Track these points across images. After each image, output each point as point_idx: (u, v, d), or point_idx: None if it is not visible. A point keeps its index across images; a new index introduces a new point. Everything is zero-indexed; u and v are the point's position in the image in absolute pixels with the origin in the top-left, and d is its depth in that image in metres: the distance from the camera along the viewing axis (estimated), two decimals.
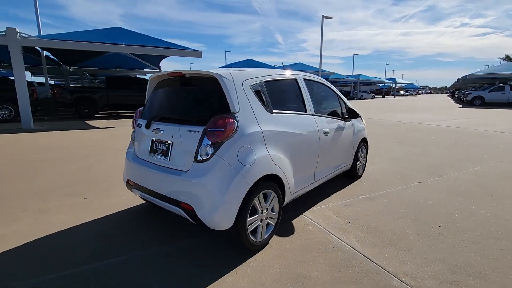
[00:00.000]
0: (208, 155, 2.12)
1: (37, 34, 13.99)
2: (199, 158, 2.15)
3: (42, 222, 2.89)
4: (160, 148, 2.45)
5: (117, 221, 2.92)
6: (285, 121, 2.62)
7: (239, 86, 2.29)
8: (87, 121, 11.67)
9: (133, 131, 2.83)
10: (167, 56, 15.73)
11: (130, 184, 2.70)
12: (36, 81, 20.71)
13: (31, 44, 9.94)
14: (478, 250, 2.40)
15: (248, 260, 2.25)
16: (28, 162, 5.17)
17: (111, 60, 19.13)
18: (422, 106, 23.21)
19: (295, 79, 2.99)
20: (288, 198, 2.74)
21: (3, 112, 11.30)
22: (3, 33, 9.38)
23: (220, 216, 2.08)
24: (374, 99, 41.29)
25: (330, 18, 21.01)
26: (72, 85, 22.52)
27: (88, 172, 4.58)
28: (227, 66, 26.87)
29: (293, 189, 2.75)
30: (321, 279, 2.03)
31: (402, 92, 59.51)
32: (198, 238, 2.59)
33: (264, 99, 2.47)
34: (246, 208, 2.18)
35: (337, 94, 3.76)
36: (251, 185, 2.17)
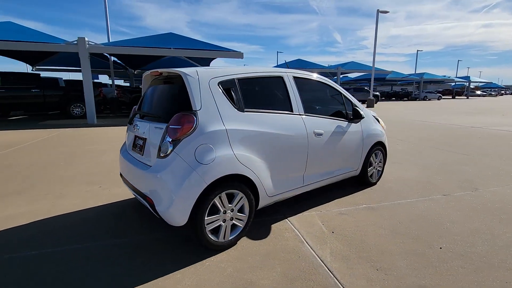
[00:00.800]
0: (167, 152, 2.18)
1: (106, 41, 15.99)
2: (161, 154, 2.22)
3: (56, 205, 3.31)
4: (138, 144, 2.60)
5: (108, 210, 3.18)
6: (260, 120, 2.53)
7: (205, 84, 2.30)
8: None
9: (127, 127, 3.06)
10: (214, 58, 16.48)
11: (122, 178, 2.92)
12: (107, 83, 23.63)
13: (95, 51, 11.39)
14: (475, 281, 1.99)
15: (206, 259, 2.24)
16: (77, 152, 5.96)
17: (169, 63, 20.81)
18: (497, 108, 19.92)
19: (281, 77, 2.86)
20: (266, 201, 2.65)
21: (76, 110, 13.19)
22: (75, 42, 10.95)
23: (173, 212, 2.12)
24: (441, 100, 36.83)
25: (386, 12, 19.40)
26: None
27: (116, 163, 5.08)
28: (277, 66, 26.94)
29: (271, 191, 2.65)
30: (272, 286, 1.92)
31: (478, 92, 51.73)
32: (172, 232, 2.67)
33: (235, 97, 2.43)
34: (203, 206, 2.18)
35: (341, 93, 3.47)
36: (208, 184, 2.16)
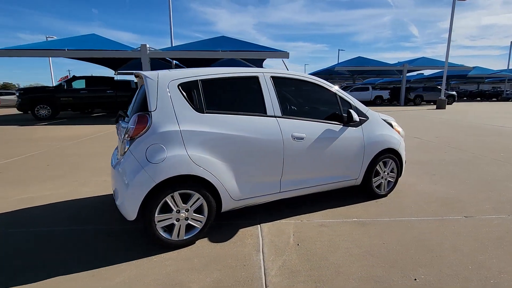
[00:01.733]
0: (125, 150, 2.33)
1: (169, 46, 17.61)
2: (122, 152, 2.39)
3: (75, 191, 3.83)
4: (120, 142, 2.84)
5: (109, 200, 3.53)
6: (223, 122, 2.50)
7: (163, 85, 2.37)
8: None
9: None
10: (264, 59, 16.66)
11: None
12: None
13: (154, 56, 12.67)
14: None
15: (157, 255, 2.32)
16: None
17: (226, 65, 21.87)
18: None
19: (257, 77, 2.75)
20: (231, 204, 2.61)
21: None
22: (139, 48, 12.38)
23: (125, 206, 2.26)
24: None
25: None
26: None
27: None
28: (338, 64, 25.78)
29: (236, 195, 2.59)
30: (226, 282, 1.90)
31: None
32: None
33: (195, 99, 2.45)
34: (153, 204, 2.26)
35: (336, 94, 3.16)
36: (158, 182, 2.23)
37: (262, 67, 21.82)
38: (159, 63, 19.17)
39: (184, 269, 2.14)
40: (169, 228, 2.40)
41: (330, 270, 2.12)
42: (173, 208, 2.35)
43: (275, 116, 2.74)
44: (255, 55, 12.91)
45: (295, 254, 2.33)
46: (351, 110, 3.04)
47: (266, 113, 2.71)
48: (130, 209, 2.24)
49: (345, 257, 2.29)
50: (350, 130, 3.14)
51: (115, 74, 23.13)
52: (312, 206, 3.26)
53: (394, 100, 24.19)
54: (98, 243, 2.51)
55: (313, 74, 37.03)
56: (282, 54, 12.58)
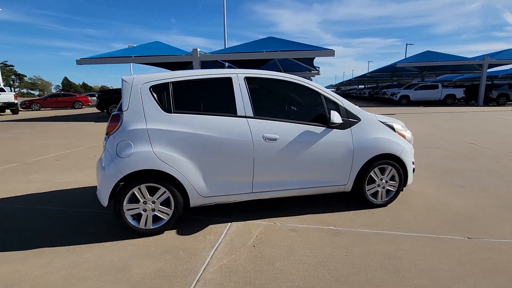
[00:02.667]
0: (104, 145, 2.65)
1: (223, 48, 18.50)
2: (103, 147, 2.72)
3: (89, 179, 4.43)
4: None
5: None
6: (190, 122, 2.62)
7: (136, 88, 2.62)
8: None
9: None
10: (313, 58, 16.23)
11: None
12: None
13: (203, 59, 13.52)
14: None
15: (126, 240, 2.57)
16: None
17: (276, 65, 21.99)
18: None
19: (230, 78, 2.80)
20: (200, 200, 2.73)
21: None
22: (191, 53, 13.38)
23: (99, 194, 2.57)
24: None
25: None
26: None
27: None
28: (402, 60, 23.57)
29: (204, 192, 2.70)
30: (136, 277, 2.07)
31: None
32: None
33: (165, 100, 2.63)
34: (122, 194, 2.52)
35: (321, 95, 2.98)
36: (124, 175, 2.48)
37: (312, 65, 21.32)
38: (215, 66, 20.36)
39: (139, 255, 2.35)
40: (138, 217, 2.64)
41: (269, 275, 2.07)
42: (140, 199, 2.58)
43: (245, 117, 2.75)
44: (298, 54, 12.73)
45: (245, 255, 2.33)
46: (332, 111, 2.85)
47: (236, 113, 2.75)
48: (103, 197, 2.55)
49: (294, 264, 2.19)
50: (336, 132, 2.95)
51: None
52: (297, 209, 3.16)
53: (471, 99, 20.94)
54: (88, 225, 2.90)
55: (373, 72, 34.37)
56: (327, 52, 12.10)
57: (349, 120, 3.01)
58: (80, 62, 14.54)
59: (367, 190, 3.15)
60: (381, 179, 3.16)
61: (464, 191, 3.64)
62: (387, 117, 3.34)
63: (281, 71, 23.52)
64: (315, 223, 2.86)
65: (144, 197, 2.59)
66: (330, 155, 2.94)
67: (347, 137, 2.98)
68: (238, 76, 2.83)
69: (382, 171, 3.15)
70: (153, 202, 2.62)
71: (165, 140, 2.57)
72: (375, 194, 3.20)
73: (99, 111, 16.40)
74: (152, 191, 2.61)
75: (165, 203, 2.66)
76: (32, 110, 24.06)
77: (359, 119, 3.05)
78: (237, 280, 2.02)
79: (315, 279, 2.01)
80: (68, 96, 26.93)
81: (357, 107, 3.11)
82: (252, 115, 2.77)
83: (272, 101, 3.03)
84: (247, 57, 13.30)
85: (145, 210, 2.62)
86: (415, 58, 21.05)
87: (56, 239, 2.61)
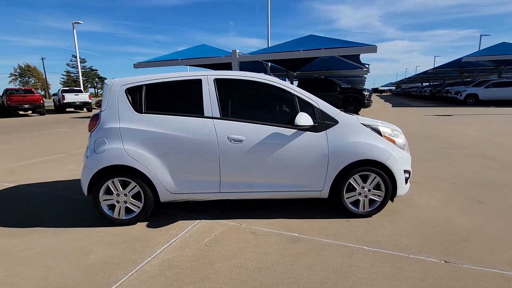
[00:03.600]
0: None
1: (266, 47, 18.59)
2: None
3: None
4: None
5: None
6: (159, 122, 2.78)
7: (114, 90, 2.87)
8: None
9: None
10: (358, 55, 15.26)
11: None
12: None
13: (242, 60, 13.82)
14: None
15: (102, 227, 2.85)
16: None
17: (324, 63, 21.26)
18: None
19: (200, 80, 2.87)
20: (169, 196, 2.88)
21: None
22: (230, 54, 13.82)
23: (82, 185, 2.90)
24: None
25: None
26: None
27: None
28: (473, 54, 20.70)
29: (172, 189, 2.84)
30: (89, 261, 2.30)
31: None
32: None
33: (137, 101, 2.83)
34: (98, 186, 2.80)
35: (293, 95, 2.85)
36: (99, 168, 2.75)
37: (359, 61, 19.97)
38: (256, 66, 20.62)
39: (104, 242, 2.59)
40: (112, 208, 2.90)
41: (201, 275, 2.09)
42: (114, 191, 2.83)
43: (212, 118, 2.80)
44: (336, 51, 12.13)
45: (192, 252, 2.39)
46: (300, 113, 2.71)
47: (203, 114, 2.81)
48: (83, 187, 2.86)
49: (232, 267, 2.18)
50: (309, 135, 2.80)
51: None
52: (275, 213, 3.09)
53: None
54: (81, 211, 3.28)
55: (436, 68, 30.65)
56: (369, 49, 11.28)
57: (325, 123, 2.83)
58: (136, 65, 16.18)
59: (346, 198, 2.92)
60: (363, 188, 2.89)
61: (479, 208, 3.10)
62: (375, 120, 3.04)
63: (327, 70, 22.74)
64: (281, 228, 2.76)
65: (117, 190, 2.83)
66: (303, 159, 2.81)
67: (321, 141, 2.80)
68: (208, 78, 2.88)
69: (364, 178, 2.88)
70: (125, 195, 2.85)
71: (135, 139, 2.77)
72: (356, 203, 2.95)
73: None
74: (124, 185, 2.84)
75: (136, 196, 2.86)
76: None
77: (336, 122, 2.84)
78: (170, 275, 2.10)
79: (242, 284, 1.97)
80: None
81: (335, 109, 2.91)
82: (219, 116, 2.81)
83: (241, 102, 3.02)
84: (283, 56, 13.18)
85: (118, 202, 2.86)
86: (487, 51, 18.23)
87: (51, 221, 3.02)
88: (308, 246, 2.44)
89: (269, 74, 20.25)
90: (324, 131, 2.82)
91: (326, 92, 14.26)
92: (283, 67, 22.14)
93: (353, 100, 14.11)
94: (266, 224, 2.86)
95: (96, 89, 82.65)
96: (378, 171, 2.84)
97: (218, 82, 2.89)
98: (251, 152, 2.78)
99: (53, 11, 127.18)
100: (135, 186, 2.82)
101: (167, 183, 2.82)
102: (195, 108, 2.84)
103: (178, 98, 2.96)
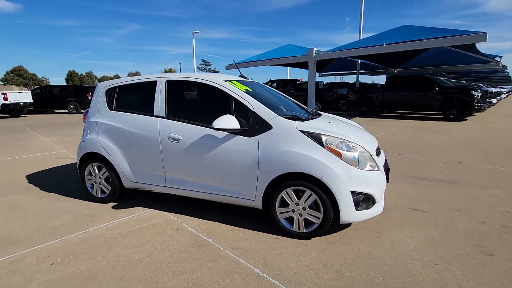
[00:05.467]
0: None
1: (358, 39, 16.98)
2: None
3: None
4: None
5: None
6: (121, 118, 3.20)
7: (99, 90, 3.45)
8: (366, 118, 12.57)
9: None
10: (473, 44, 12.00)
11: None
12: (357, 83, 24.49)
13: (318, 58, 13.20)
14: None
15: (84, 202, 3.52)
16: None
17: (433, 58, 17.81)
18: None
19: (155, 82, 3.10)
20: (129, 184, 3.26)
21: (316, 106, 16.05)
22: (307, 53, 13.47)
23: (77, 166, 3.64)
24: None
25: None
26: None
27: None
28: None
29: (131, 177, 3.23)
30: (52, 223, 2.94)
31: None
32: None
33: (111, 100, 3.32)
34: (84, 168, 3.47)
35: (231, 97, 2.71)
36: (83, 153, 3.40)
37: (479, 53, 15.64)
38: (349, 63, 19.16)
39: (70, 212, 3.20)
40: (92, 186, 3.51)
41: (96, 254, 2.36)
42: (92, 173, 3.45)
43: (159, 117, 3.00)
44: (431, 43, 9.95)
45: (112, 234, 2.68)
46: (222, 116, 2.56)
47: (153, 113, 3.05)
48: (78, 168, 3.60)
49: (122, 255, 2.35)
50: (240, 139, 2.64)
51: (319, 75, 25.70)
52: (216, 215, 3.05)
53: None
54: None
55: None
56: (475, 37, 8.80)
57: (258, 127, 2.60)
58: (228, 67, 17.85)
59: (279, 213, 2.60)
60: (297, 204, 2.51)
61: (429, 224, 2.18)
62: (329, 126, 2.56)
63: (438, 66, 18.85)
64: (203, 231, 2.73)
65: (95, 173, 3.43)
66: (234, 164, 2.68)
67: (252, 146, 2.59)
68: (161, 80, 3.10)
69: (298, 195, 2.50)
70: (100, 178, 3.42)
71: (105, 132, 3.28)
72: (289, 220, 2.58)
73: None
74: (99, 169, 3.41)
75: (107, 180, 3.39)
76: None
77: (270, 127, 2.56)
78: (77, 249, 2.46)
79: (111, 270, 2.14)
80: None
81: (271, 113, 2.61)
82: (164, 116, 2.99)
83: (185, 103, 3.09)
84: (363, 52, 11.83)
85: (95, 183, 3.46)
86: None
87: (58, 190, 3.90)
88: (204, 253, 2.36)
89: (358, 71, 18.53)
90: (257, 136, 2.59)
91: (420, 92, 12.02)
92: (379, 64, 19.80)
93: (458, 102, 11.35)
94: (196, 224, 2.88)
95: None
96: (315, 188, 2.41)
97: (169, 83, 3.06)
98: (187, 151, 2.85)
99: (193, 24, 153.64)
100: (105, 171, 3.34)
101: (127, 172, 3.22)
102: (149, 107, 3.11)
103: (139, 98, 3.31)
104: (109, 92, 3.42)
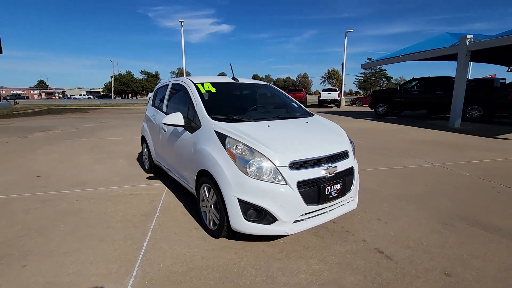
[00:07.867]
0: None
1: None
2: None
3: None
4: None
5: None
6: (153, 111, 4.30)
7: (155, 89, 4.69)
8: None
9: None
10: None
11: None
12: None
13: (473, 48, 9.91)
14: None
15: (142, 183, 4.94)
16: None
17: None
18: None
19: (168, 84, 3.95)
20: (154, 160, 4.35)
21: (473, 112, 12.23)
22: (458, 43, 10.47)
23: None
24: None
25: None
26: None
27: None
28: None
29: (154, 156, 4.30)
30: (112, 180, 4.47)
31: None
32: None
33: (154, 98, 4.48)
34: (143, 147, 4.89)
35: (191, 97, 3.12)
36: (141, 136, 4.81)
37: None
38: None
39: (123, 173, 4.64)
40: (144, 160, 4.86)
41: (101, 211, 3.53)
42: (143, 152, 4.79)
43: (163, 112, 3.87)
44: None
45: (130, 199, 3.80)
46: (173, 113, 3.01)
47: (162, 109, 3.94)
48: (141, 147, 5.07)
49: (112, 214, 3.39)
50: (187, 134, 3.04)
51: (508, 70, 18.87)
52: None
53: None
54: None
55: None
56: None
57: (195, 124, 2.92)
58: (364, 66, 16.61)
59: (201, 207, 2.83)
60: (207, 201, 2.66)
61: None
62: (255, 129, 2.57)
63: None
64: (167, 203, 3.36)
65: (143, 151, 4.77)
66: (183, 154, 3.12)
67: (191, 141, 2.94)
68: (170, 83, 3.94)
69: (207, 191, 2.65)
70: (144, 154, 4.71)
71: (146, 121, 4.52)
72: (205, 215, 2.76)
73: (370, 109, 17.22)
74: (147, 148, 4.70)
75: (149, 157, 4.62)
76: (356, 106, 29.68)
77: (200, 125, 2.82)
78: (101, 199, 3.73)
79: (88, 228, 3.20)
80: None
81: (204, 112, 2.82)
82: (166, 111, 3.81)
83: (176, 100, 3.68)
84: None
85: (145, 159, 4.80)
86: None
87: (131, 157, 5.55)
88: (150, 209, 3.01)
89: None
90: (194, 132, 2.91)
91: None
92: None
93: None
94: (168, 200, 3.53)
95: (380, 87, 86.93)
96: (215, 188, 2.50)
97: (173, 85, 3.86)
98: (168, 140, 3.54)
99: (367, 22, 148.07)
100: (146, 151, 4.59)
101: (153, 152, 4.30)
102: (161, 104, 4.04)
103: (164, 97, 4.19)
104: (155, 91, 4.61)
